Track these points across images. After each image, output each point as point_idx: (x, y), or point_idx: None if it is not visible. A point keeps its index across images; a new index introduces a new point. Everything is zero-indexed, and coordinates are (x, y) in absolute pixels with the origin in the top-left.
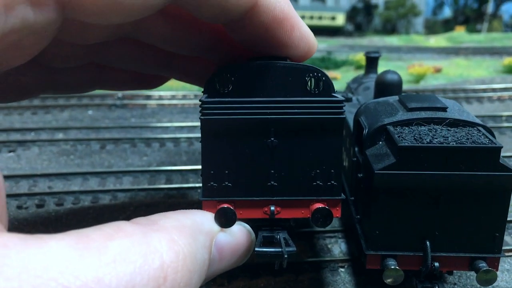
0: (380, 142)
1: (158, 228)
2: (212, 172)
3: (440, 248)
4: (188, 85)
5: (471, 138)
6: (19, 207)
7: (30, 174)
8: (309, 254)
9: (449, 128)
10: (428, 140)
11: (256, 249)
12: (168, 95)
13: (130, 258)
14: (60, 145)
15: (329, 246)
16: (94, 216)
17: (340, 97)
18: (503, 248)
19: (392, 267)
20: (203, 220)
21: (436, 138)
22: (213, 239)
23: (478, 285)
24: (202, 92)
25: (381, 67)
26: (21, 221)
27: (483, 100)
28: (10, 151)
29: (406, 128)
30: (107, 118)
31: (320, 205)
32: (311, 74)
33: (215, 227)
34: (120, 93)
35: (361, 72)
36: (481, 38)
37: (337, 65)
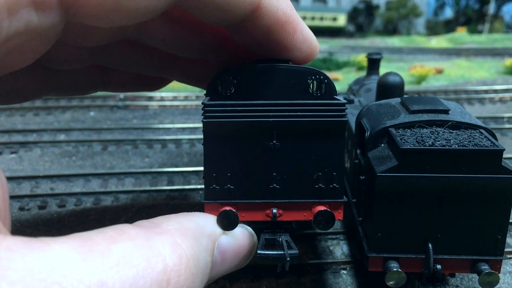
0: (382, 145)
1: (161, 231)
2: (214, 174)
3: (443, 251)
4: (189, 87)
5: (473, 141)
6: (21, 209)
7: (32, 175)
8: (311, 256)
9: (451, 130)
10: (430, 142)
11: (258, 251)
12: (169, 97)
13: (133, 261)
14: (62, 146)
15: (331, 248)
16: (96, 217)
17: (342, 99)
18: (506, 250)
19: (395, 269)
20: (205, 223)
21: (438, 141)
22: (216, 241)
23: None
24: (205, 94)
25: (383, 68)
26: (23, 222)
27: (484, 102)
28: (12, 153)
29: (408, 130)
30: (108, 119)
31: (322, 208)
32: (313, 77)
33: (218, 229)
34: (121, 95)
35: (363, 73)
36: (482, 39)
37: (338, 66)
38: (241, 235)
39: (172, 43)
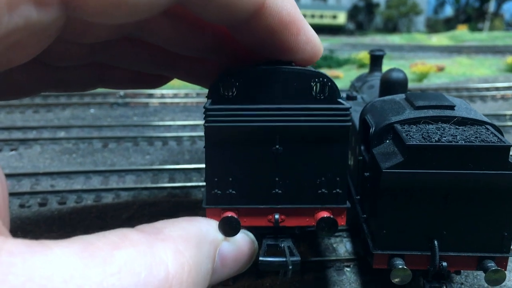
0: (387, 141)
1: (164, 237)
2: (216, 179)
3: (448, 248)
4: (190, 84)
5: (480, 137)
6: (21, 206)
7: (32, 172)
8: (314, 253)
9: (457, 126)
10: (436, 138)
11: (260, 258)
12: (170, 94)
13: (135, 268)
14: (62, 143)
15: (334, 245)
16: (97, 214)
17: (346, 103)
18: None
19: (400, 266)
20: (208, 229)
21: (445, 137)
22: (217, 248)
23: (486, 285)
24: (206, 97)
25: (384, 66)
26: (23, 220)
27: (486, 99)
28: (12, 150)
29: (414, 126)
30: (109, 116)
31: (325, 214)
32: (316, 80)
33: (220, 236)
34: (122, 92)
35: (364, 70)
36: (483, 37)
37: (339, 63)
38: (242, 241)
39: (173, 41)
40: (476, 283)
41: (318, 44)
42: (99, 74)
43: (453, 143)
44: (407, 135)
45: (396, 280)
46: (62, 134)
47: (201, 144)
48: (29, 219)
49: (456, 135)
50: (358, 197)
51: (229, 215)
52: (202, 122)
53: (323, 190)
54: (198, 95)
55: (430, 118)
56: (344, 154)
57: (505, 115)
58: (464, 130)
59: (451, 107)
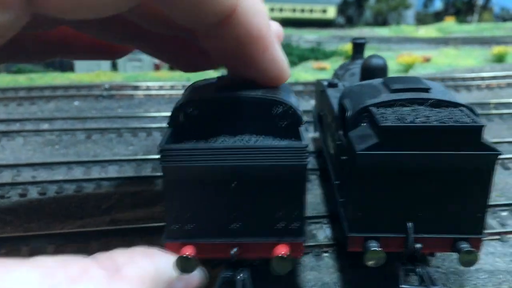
0: (363, 124)
1: (121, 277)
2: (174, 215)
3: (423, 230)
4: (176, 75)
5: (453, 118)
6: (1, 197)
7: (13, 164)
8: None
9: (432, 108)
10: (410, 120)
11: None
12: (155, 86)
13: None
14: (45, 135)
15: (314, 232)
16: (78, 204)
17: (303, 143)
18: (489, 231)
19: (373, 248)
20: (165, 267)
21: (419, 118)
22: (171, 286)
23: (461, 268)
24: (167, 123)
25: None
26: (3, 210)
27: (471, 88)
28: None
29: (389, 109)
30: (93, 108)
31: (282, 249)
32: (278, 106)
33: (174, 274)
34: (107, 84)
35: None
36: (471, 28)
37: (326, 55)
38: (195, 279)
39: (142, 17)
40: (452, 266)
41: (284, 66)
42: (59, 44)
43: (427, 124)
44: (382, 117)
45: (370, 262)
46: (45, 126)
47: None
48: (9, 210)
49: (430, 116)
50: (338, 182)
51: (187, 253)
52: None
53: (281, 224)
54: (183, 87)
55: (405, 101)
56: (301, 190)
57: (489, 103)
58: (439, 112)
59: (426, 90)
